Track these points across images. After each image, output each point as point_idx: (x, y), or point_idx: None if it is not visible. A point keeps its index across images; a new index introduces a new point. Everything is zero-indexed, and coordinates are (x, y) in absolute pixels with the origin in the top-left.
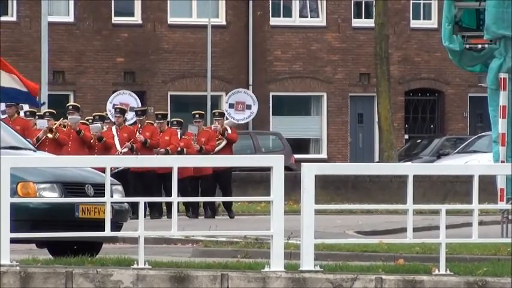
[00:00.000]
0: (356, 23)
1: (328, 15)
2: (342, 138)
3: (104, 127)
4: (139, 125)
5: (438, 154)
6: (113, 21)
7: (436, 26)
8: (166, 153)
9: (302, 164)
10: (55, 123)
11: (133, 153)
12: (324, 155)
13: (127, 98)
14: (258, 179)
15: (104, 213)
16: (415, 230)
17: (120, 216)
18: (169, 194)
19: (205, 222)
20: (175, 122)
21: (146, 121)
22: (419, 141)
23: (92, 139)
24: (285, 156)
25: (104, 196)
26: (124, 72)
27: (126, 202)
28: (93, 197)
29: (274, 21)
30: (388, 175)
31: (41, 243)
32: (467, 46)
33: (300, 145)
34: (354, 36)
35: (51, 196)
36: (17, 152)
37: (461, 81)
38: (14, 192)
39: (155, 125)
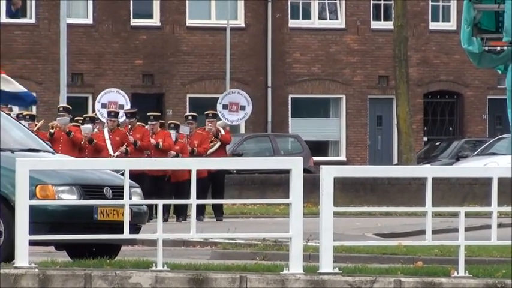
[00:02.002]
0: (375, 25)
1: (347, 18)
2: (361, 140)
3: (95, 129)
4: (130, 127)
5: (457, 156)
6: (131, 24)
7: (455, 28)
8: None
9: (321, 166)
10: (36, 124)
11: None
12: (342, 157)
13: (115, 96)
14: (277, 182)
15: (123, 215)
16: (434, 232)
17: (138, 219)
18: (160, 197)
19: (219, 225)
20: (172, 125)
21: (137, 123)
22: (438, 143)
23: (83, 141)
24: (303, 159)
25: (122, 198)
26: (142, 75)
27: (145, 204)
28: (111, 199)
29: (293, 23)
30: (407, 177)
31: (59, 246)
32: (487, 48)
33: (319, 147)
34: (372, 38)
35: (70, 198)
36: (35, 155)
37: (480, 84)
38: (32, 195)
39: (147, 127)
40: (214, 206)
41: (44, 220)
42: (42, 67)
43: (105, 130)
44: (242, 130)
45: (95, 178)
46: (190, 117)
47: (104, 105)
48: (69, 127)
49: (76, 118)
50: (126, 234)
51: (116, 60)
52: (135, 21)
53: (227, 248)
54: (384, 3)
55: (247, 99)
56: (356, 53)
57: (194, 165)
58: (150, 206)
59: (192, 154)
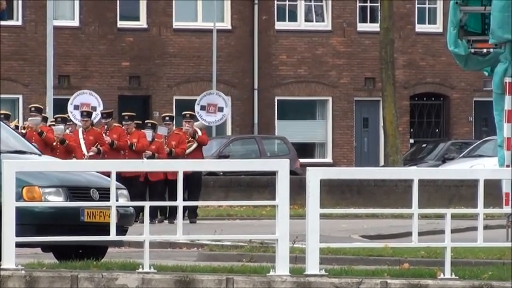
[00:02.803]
0: (361, 27)
1: (333, 20)
2: (347, 142)
3: (67, 130)
4: (106, 127)
5: (443, 158)
6: (118, 26)
7: (441, 30)
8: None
9: (307, 168)
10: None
11: (100, 157)
12: (329, 159)
13: (88, 98)
14: (263, 183)
15: (109, 217)
16: (420, 234)
17: (125, 220)
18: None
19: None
20: (149, 124)
21: (114, 123)
22: (424, 145)
23: (55, 141)
24: (290, 161)
25: (109, 200)
26: (129, 77)
27: (131, 206)
28: (98, 201)
29: (279, 25)
30: (393, 179)
31: (46, 247)
32: (473, 50)
33: (305, 149)
34: (359, 40)
35: (57, 200)
36: (22, 156)
37: (466, 86)
38: (19, 197)
39: (123, 127)
40: (189, 208)
41: (31, 222)
42: (29, 69)
43: (80, 130)
44: (229, 132)
45: (81, 180)
46: (167, 118)
47: (76, 107)
48: (41, 127)
49: (50, 120)
50: (113, 236)
51: (102, 62)
52: (121, 24)
53: (214, 250)
54: (370, 6)
55: (226, 100)
56: (342, 55)
57: (181, 166)
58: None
59: (170, 155)
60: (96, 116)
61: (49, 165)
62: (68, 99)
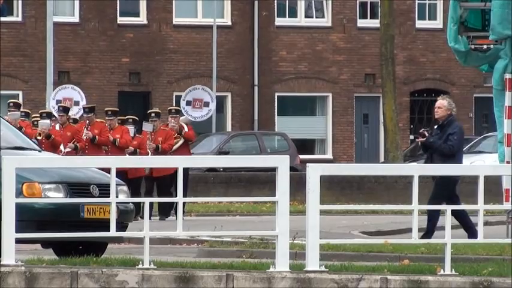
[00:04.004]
0: (361, 23)
1: (333, 16)
2: (347, 138)
3: (52, 124)
4: (88, 122)
5: None
6: (118, 22)
7: (441, 26)
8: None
9: (307, 164)
10: None
11: (77, 153)
12: (329, 155)
13: (70, 93)
14: (264, 180)
15: (109, 213)
16: (421, 230)
17: (125, 217)
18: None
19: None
20: (130, 120)
21: (95, 119)
22: None
23: (41, 136)
24: (290, 157)
25: (109, 196)
26: (129, 73)
27: (131, 202)
28: (98, 197)
29: (279, 21)
30: (394, 176)
31: (46, 244)
32: (473, 46)
33: (305, 145)
34: (359, 36)
35: (57, 196)
36: (22, 152)
37: (466, 82)
38: (19, 193)
39: (106, 123)
40: (167, 204)
41: (31, 218)
42: (29, 65)
43: (57, 126)
44: (229, 128)
45: (81, 176)
46: (153, 114)
47: (58, 102)
48: (19, 122)
49: (34, 115)
50: (113, 232)
51: (102, 58)
52: (121, 20)
53: (214, 246)
54: (370, 2)
55: (212, 95)
56: (342, 51)
57: (180, 163)
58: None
59: (157, 151)
60: (78, 111)
61: (49, 161)
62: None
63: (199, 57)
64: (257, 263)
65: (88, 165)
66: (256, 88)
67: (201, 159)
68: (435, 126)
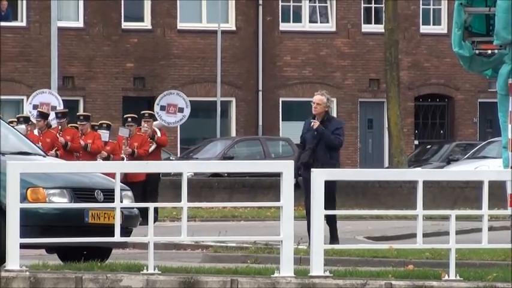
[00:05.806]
0: (366, 28)
1: (337, 21)
2: (352, 143)
3: (28, 130)
4: (60, 128)
5: (448, 160)
6: (122, 27)
7: (445, 31)
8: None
9: (312, 169)
10: None
11: None
12: None
13: (48, 97)
14: (268, 185)
15: (114, 218)
16: (425, 235)
17: (129, 222)
18: None
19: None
20: (104, 125)
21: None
22: (429, 146)
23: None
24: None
25: (113, 201)
26: (134, 78)
27: (136, 208)
28: (102, 202)
29: (283, 26)
30: (398, 181)
31: (50, 249)
32: (477, 51)
33: None
34: (363, 41)
35: (61, 201)
36: (26, 158)
37: (471, 87)
38: (23, 198)
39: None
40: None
41: (35, 223)
42: (33, 70)
43: (35, 131)
44: (233, 133)
45: (86, 181)
46: (129, 119)
47: (35, 107)
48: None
49: (10, 120)
50: (117, 237)
51: (107, 63)
52: (126, 25)
53: (218, 251)
54: (374, 7)
55: (186, 101)
56: (347, 56)
57: (186, 167)
58: None
59: (132, 156)
60: (53, 118)
61: (53, 166)
62: (73, 101)
63: (204, 62)
64: (261, 268)
65: (92, 170)
66: (260, 93)
67: (205, 164)
68: (310, 120)
